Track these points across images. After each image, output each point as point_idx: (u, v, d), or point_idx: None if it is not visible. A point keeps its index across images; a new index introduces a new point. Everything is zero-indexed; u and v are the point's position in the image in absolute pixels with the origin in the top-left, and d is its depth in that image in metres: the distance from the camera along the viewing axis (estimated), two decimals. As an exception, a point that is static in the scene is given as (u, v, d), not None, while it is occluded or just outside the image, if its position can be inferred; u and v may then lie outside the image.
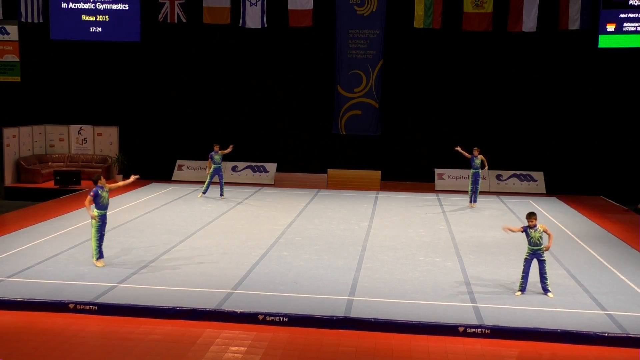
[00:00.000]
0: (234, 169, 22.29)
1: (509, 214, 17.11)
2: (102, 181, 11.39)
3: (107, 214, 11.51)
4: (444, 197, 19.64)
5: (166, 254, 12.33)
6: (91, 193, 11.24)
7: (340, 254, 12.66)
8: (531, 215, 10.28)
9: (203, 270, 11.32)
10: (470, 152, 17.53)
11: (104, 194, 11.34)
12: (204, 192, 18.32)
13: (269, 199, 18.68)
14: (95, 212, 11.27)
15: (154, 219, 15.58)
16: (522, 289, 10.37)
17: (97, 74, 22.71)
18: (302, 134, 22.27)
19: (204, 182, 21.44)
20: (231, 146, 18.49)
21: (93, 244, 11.38)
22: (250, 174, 21.99)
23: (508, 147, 21.43)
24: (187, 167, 22.46)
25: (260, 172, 22.10)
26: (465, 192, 20.47)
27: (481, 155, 17.38)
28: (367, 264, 11.93)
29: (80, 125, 22.75)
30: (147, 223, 15.13)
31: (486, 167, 17.51)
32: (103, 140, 22.76)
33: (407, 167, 21.84)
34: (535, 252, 10.30)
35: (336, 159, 22.17)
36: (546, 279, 10.32)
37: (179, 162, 22.58)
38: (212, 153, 18.10)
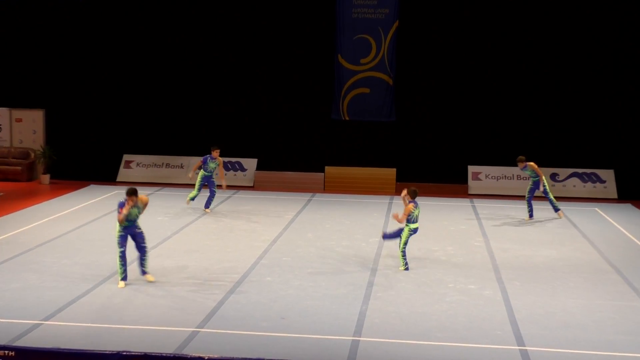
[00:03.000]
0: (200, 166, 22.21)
1: (568, 226, 17.12)
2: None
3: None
4: (480, 204, 19.62)
5: (110, 280, 12.29)
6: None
7: (343, 279, 12.64)
8: (411, 195, 13.18)
9: (159, 302, 11.28)
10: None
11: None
12: (192, 199, 17.98)
13: (247, 206, 18.63)
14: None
15: (93, 234, 15.52)
16: (406, 266, 13.25)
17: (16, 40, 22.64)
18: (291, 120, 22.25)
19: (159, 184, 21.42)
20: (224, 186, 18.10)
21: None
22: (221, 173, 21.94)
23: (566, 137, 21.46)
24: (138, 164, 22.42)
25: (236, 170, 22.07)
26: (509, 197, 20.51)
27: (530, 163, 17.33)
28: (377, 293, 11.91)
29: (-7, 108, 22.74)
30: (85, 238, 15.08)
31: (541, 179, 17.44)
32: (24, 128, 22.70)
33: (431, 164, 21.83)
34: (416, 230, 13.30)
35: (337, 153, 22.15)
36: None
37: (126, 157, 22.54)
38: (208, 157, 17.70)
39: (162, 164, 22.39)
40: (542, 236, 16.06)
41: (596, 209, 19.24)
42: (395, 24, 21.46)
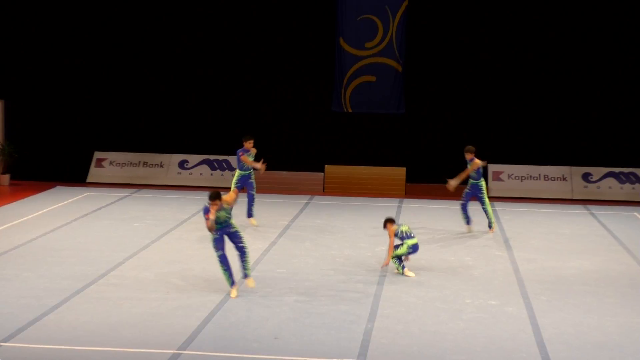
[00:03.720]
0: (182, 164, 22.19)
1: (603, 234, 17.08)
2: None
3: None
4: (502, 208, 19.58)
5: (79, 295, 12.24)
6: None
7: (345, 294, 12.61)
8: (390, 222, 13.78)
9: (135, 320, 11.24)
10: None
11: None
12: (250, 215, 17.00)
13: (236, 211, 18.53)
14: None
15: (60, 242, 15.48)
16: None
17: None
18: (287, 113, 22.24)
19: (136, 186, 21.34)
20: (262, 164, 16.74)
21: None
22: (207, 173, 21.91)
23: (601, 132, 21.45)
24: (111, 163, 22.38)
25: (222, 169, 22.02)
26: (535, 199, 20.47)
27: (476, 161, 16.47)
28: (385, 310, 11.88)
29: (-55, 99, 22.72)
30: (50, 248, 15.03)
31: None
32: (-19, 122, 22.69)
33: (445, 162, 21.77)
34: (416, 247, 13.72)
35: (338, 150, 22.14)
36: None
37: (97, 154, 22.51)
38: (241, 151, 16.62)
39: (139, 162, 22.33)
40: (572, 245, 16.02)
41: (635, 213, 19.25)
42: (405, 3, 21.43)
